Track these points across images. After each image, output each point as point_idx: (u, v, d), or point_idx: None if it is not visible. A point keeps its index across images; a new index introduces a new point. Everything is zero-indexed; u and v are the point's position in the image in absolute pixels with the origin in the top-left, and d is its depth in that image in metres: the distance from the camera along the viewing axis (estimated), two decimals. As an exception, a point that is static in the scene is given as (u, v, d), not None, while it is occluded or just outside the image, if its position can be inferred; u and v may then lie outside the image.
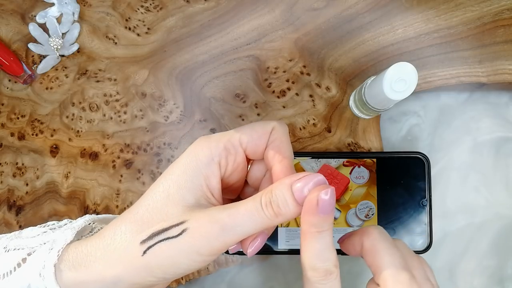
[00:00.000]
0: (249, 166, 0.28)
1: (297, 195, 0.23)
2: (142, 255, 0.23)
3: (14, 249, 0.25)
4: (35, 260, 0.24)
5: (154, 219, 0.24)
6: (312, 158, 0.40)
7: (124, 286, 0.24)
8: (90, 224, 0.28)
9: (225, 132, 0.26)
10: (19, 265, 0.24)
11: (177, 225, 0.23)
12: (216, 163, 0.25)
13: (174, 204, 0.24)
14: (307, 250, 0.24)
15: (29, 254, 0.24)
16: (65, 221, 0.28)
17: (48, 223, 0.28)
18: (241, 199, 0.27)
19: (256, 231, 0.24)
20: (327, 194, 0.22)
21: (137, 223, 0.24)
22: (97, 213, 0.42)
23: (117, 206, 0.43)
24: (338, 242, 0.30)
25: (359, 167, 0.40)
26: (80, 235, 0.27)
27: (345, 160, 0.40)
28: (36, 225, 0.42)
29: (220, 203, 0.25)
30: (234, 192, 0.29)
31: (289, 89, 0.43)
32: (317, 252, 0.23)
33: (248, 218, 0.23)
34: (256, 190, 0.28)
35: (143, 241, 0.23)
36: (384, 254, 0.26)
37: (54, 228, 0.27)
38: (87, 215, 0.29)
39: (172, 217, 0.23)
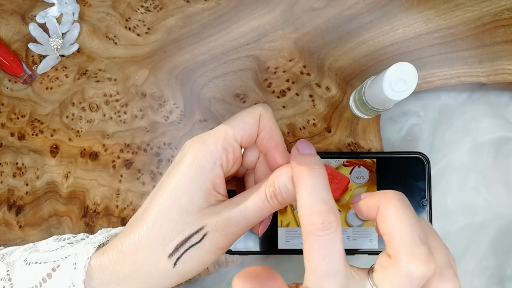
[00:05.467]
0: (242, 151, 0.28)
1: None
2: (174, 267, 0.25)
3: (36, 263, 0.25)
4: (62, 276, 0.25)
5: (173, 231, 0.25)
6: (312, 158, 0.40)
7: None
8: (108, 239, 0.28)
9: (217, 131, 0.26)
10: (44, 280, 0.25)
11: (197, 231, 0.25)
12: (218, 166, 0.25)
13: (188, 213, 0.25)
14: (301, 191, 0.22)
15: (53, 269, 0.25)
16: (81, 235, 0.29)
17: (64, 236, 0.29)
18: (237, 178, 0.30)
19: (265, 218, 0.26)
20: (301, 141, 0.25)
21: (157, 238, 0.25)
22: (97, 213, 0.42)
23: (117, 206, 0.43)
24: (351, 201, 0.28)
25: (359, 167, 0.40)
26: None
27: (345, 160, 0.40)
28: (36, 226, 0.43)
29: (226, 196, 0.27)
30: (230, 176, 0.30)
31: (289, 89, 0.43)
32: (311, 189, 0.22)
33: (256, 212, 0.25)
34: (251, 169, 0.30)
35: (171, 255, 0.25)
36: (402, 222, 0.22)
37: (72, 243, 0.28)
38: (103, 229, 0.29)
39: (191, 224, 0.25)
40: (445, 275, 0.22)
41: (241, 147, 0.27)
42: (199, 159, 0.25)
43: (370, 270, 0.23)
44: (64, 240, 0.28)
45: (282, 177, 0.25)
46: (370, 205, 0.24)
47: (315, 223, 0.21)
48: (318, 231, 0.21)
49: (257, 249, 0.40)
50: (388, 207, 0.22)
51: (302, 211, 0.22)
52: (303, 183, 0.23)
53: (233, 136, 0.26)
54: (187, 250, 0.24)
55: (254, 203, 0.25)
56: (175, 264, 0.24)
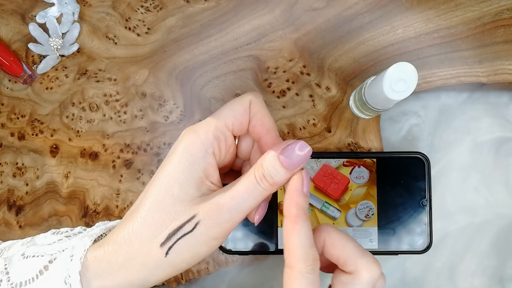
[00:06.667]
0: (236, 141, 0.29)
1: (285, 162, 0.25)
2: (166, 256, 0.24)
3: (33, 256, 0.26)
4: (58, 267, 0.25)
5: (165, 220, 0.25)
6: (312, 158, 0.40)
7: (151, 284, 0.25)
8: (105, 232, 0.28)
9: (208, 120, 0.26)
10: (41, 272, 0.25)
11: (189, 220, 0.25)
12: (210, 154, 0.26)
13: (180, 202, 0.25)
14: (299, 235, 0.25)
15: (50, 262, 0.25)
16: (78, 228, 0.29)
17: (61, 229, 0.29)
18: (234, 171, 0.30)
19: (258, 203, 0.26)
20: (305, 171, 0.25)
21: (150, 227, 0.25)
22: (97, 213, 0.42)
23: (117, 206, 0.43)
24: None
25: (359, 167, 0.40)
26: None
27: (345, 160, 0.40)
28: (36, 226, 0.43)
29: (220, 186, 0.27)
30: (227, 167, 0.30)
31: (289, 89, 0.43)
32: (309, 235, 0.25)
33: (248, 196, 0.25)
34: (247, 160, 0.30)
35: (163, 243, 0.24)
36: (348, 244, 0.27)
37: (69, 236, 0.28)
38: (100, 222, 0.29)
39: (182, 214, 0.25)
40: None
41: (235, 137, 0.28)
42: (190, 148, 0.25)
43: None
44: (61, 233, 0.28)
45: (269, 158, 0.25)
46: (315, 241, 0.27)
47: (309, 264, 0.24)
48: (311, 271, 0.24)
49: (257, 249, 0.40)
50: (332, 237, 0.27)
51: (298, 253, 0.25)
52: (301, 228, 0.25)
53: (224, 124, 0.26)
54: (179, 239, 0.24)
55: (244, 187, 0.25)
56: (167, 253, 0.24)
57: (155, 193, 0.25)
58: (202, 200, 0.25)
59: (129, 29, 0.43)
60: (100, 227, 0.28)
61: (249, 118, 0.27)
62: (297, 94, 0.43)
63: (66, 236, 0.27)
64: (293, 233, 0.25)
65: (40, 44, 0.43)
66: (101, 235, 0.28)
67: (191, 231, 0.24)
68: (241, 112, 0.27)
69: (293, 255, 0.25)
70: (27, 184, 0.43)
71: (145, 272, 0.25)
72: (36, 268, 0.25)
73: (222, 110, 0.27)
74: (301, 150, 0.25)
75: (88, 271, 0.25)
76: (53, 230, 0.28)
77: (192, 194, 0.25)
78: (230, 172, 0.31)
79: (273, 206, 0.40)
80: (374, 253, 0.40)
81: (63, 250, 0.25)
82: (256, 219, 0.28)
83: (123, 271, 0.25)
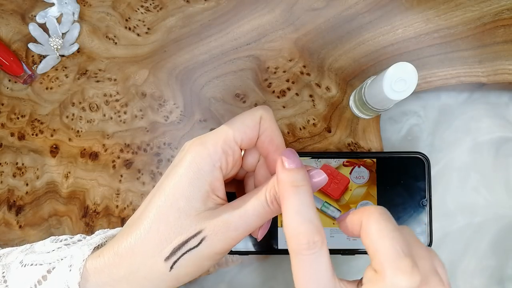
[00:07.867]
0: (242, 153, 0.28)
1: None
2: (170, 271, 0.24)
3: (32, 265, 0.25)
4: (57, 278, 0.24)
5: (170, 234, 0.24)
6: (312, 158, 0.40)
7: None
8: (106, 241, 0.28)
9: (217, 133, 0.26)
10: (39, 282, 0.25)
11: (195, 235, 0.24)
12: (218, 168, 0.25)
13: (186, 216, 0.24)
14: (286, 210, 0.22)
15: (48, 271, 0.25)
16: (78, 236, 0.29)
17: (61, 237, 0.28)
18: (236, 180, 0.30)
19: (264, 222, 0.26)
20: (287, 150, 0.24)
21: (153, 240, 0.24)
22: (97, 213, 0.42)
23: (117, 206, 0.43)
24: (336, 220, 0.28)
25: (359, 167, 0.40)
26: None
27: (345, 160, 0.40)
28: (36, 226, 0.43)
29: (225, 200, 0.26)
30: (230, 178, 0.29)
31: (289, 89, 0.43)
32: (296, 209, 0.22)
33: (256, 217, 0.25)
34: (251, 172, 0.29)
35: (167, 258, 0.24)
36: (384, 236, 0.22)
37: (68, 244, 0.27)
38: (100, 230, 0.29)
39: (188, 228, 0.24)
40: (430, 283, 0.22)
41: (241, 150, 0.27)
42: (197, 161, 0.25)
43: (360, 283, 0.23)
44: (61, 241, 0.28)
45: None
46: (353, 222, 0.24)
47: (301, 243, 0.22)
48: (304, 251, 0.21)
49: (257, 249, 0.40)
50: (370, 223, 0.22)
51: (288, 231, 0.22)
52: (288, 202, 0.23)
53: (233, 138, 0.25)
54: (184, 254, 0.24)
55: (254, 207, 0.25)
56: (171, 267, 0.24)
57: (159, 204, 0.25)
58: (208, 215, 0.25)
59: (129, 29, 0.43)
60: (99, 235, 0.28)
61: (259, 133, 0.26)
62: (297, 94, 0.43)
63: (66, 244, 0.27)
64: (282, 209, 0.23)
65: (40, 44, 0.43)
66: (101, 243, 0.27)
67: (196, 246, 0.24)
68: (251, 127, 0.26)
69: (286, 233, 0.23)
70: (27, 184, 0.43)
71: (148, 285, 0.25)
72: (34, 277, 0.25)
73: (232, 123, 0.26)
74: (316, 178, 0.25)
75: (88, 282, 0.24)
76: (52, 238, 0.28)
77: (198, 208, 0.25)
78: (232, 181, 0.30)
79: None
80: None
81: (61, 259, 0.25)
82: (260, 234, 0.28)
83: (125, 284, 0.24)
